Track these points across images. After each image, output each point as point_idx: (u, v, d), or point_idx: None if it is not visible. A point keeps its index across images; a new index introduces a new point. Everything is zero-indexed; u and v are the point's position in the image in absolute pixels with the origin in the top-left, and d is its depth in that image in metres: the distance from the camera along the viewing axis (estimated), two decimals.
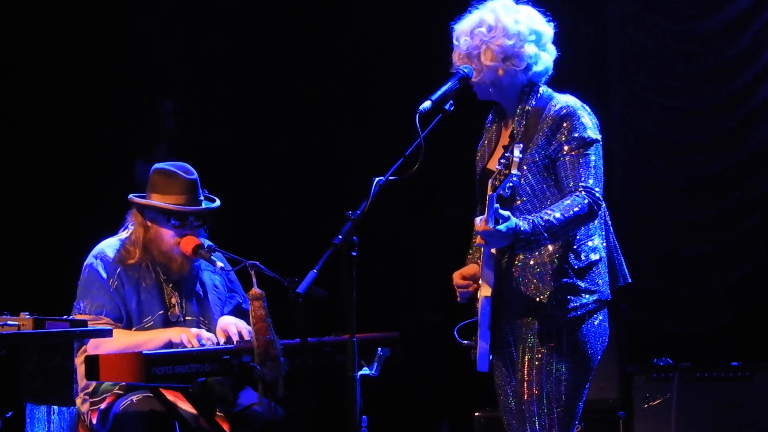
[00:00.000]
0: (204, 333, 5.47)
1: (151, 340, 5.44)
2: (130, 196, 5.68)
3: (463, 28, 4.88)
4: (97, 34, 8.15)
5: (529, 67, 4.86)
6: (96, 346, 5.40)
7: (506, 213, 4.57)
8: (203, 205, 5.65)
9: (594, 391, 5.42)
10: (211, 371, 5.22)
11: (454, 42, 4.92)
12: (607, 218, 4.88)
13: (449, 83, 4.86)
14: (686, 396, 7.50)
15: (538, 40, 4.89)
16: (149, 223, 5.63)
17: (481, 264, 4.74)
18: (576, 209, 4.65)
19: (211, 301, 5.77)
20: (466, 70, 4.88)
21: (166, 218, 5.60)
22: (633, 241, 8.31)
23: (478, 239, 4.62)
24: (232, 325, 5.58)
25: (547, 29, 4.93)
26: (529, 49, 4.86)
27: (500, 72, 4.85)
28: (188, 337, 5.40)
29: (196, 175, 5.67)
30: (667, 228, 8.49)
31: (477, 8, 4.91)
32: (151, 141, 8.42)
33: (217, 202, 5.72)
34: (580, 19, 8.10)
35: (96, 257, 5.62)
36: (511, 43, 4.84)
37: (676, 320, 8.34)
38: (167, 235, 5.61)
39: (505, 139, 4.92)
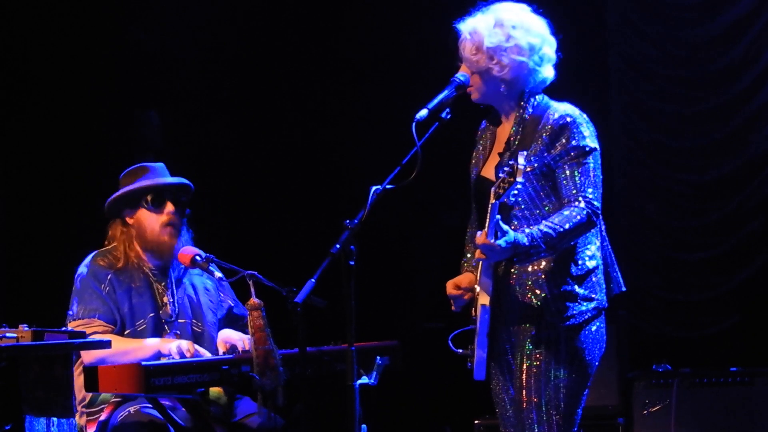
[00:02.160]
0: (184, 345, 5.47)
1: (140, 348, 5.45)
2: (107, 201, 5.71)
3: (484, 23, 4.85)
4: (91, 41, 8.15)
5: (539, 71, 4.87)
6: (88, 351, 5.40)
7: (505, 227, 4.57)
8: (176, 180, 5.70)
9: (593, 397, 5.41)
10: (211, 381, 5.22)
11: (467, 36, 4.86)
12: (603, 227, 4.88)
13: (445, 91, 4.85)
14: (686, 402, 7.49)
15: (550, 45, 4.91)
16: (130, 220, 5.67)
17: (480, 273, 4.74)
18: (575, 220, 4.65)
19: (203, 303, 5.79)
20: (462, 78, 4.88)
21: (143, 201, 5.63)
22: (633, 246, 8.32)
23: (478, 253, 4.62)
24: (235, 336, 5.60)
25: (553, 39, 4.95)
26: (548, 50, 4.89)
27: (524, 68, 4.84)
28: (176, 350, 5.41)
29: (163, 164, 5.72)
30: (667, 233, 8.49)
31: (485, 9, 4.90)
32: (140, 154, 8.43)
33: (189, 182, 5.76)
34: (580, 25, 8.09)
35: (87, 266, 5.67)
36: (536, 41, 4.85)
37: (676, 325, 8.33)
38: (150, 219, 5.65)
39: (500, 146, 4.91)
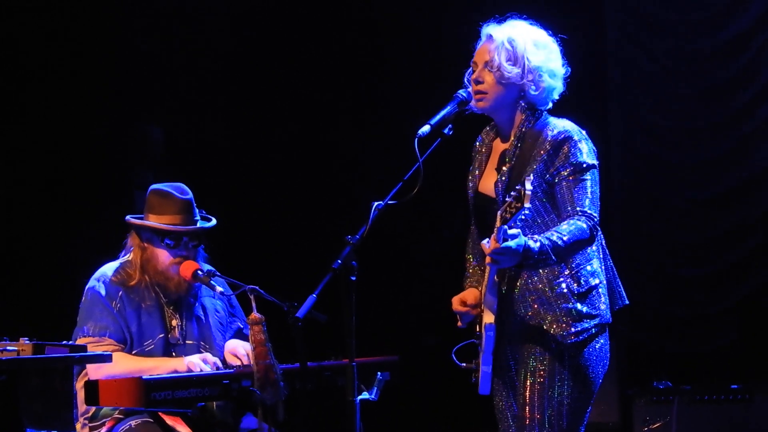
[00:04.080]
0: (209, 357, 5.47)
1: (156, 368, 5.45)
2: (127, 217, 5.70)
3: (522, 37, 4.83)
4: (94, 52, 8.16)
5: (551, 84, 4.89)
6: (98, 368, 5.39)
7: (517, 231, 4.55)
8: (197, 225, 5.67)
9: (594, 414, 5.42)
10: (211, 396, 5.21)
11: (504, 43, 4.81)
12: (603, 242, 4.88)
13: (448, 107, 4.85)
14: (686, 419, 7.49)
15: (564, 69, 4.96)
16: (145, 244, 5.65)
17: (485, 291, 4.73)
18: (578, 233, 4.65)
19: (213, 325, 5.78)
20: (464, 94, 4.87)
21: (161, 238, 5.62)
22: (633, 262, 8.32)
23: (488, 259, 4.60)
24: (240, 347, 5.59)
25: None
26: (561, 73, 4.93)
27: (551, 92, 4.86)
28: (195, 364, 5.40)
29: (191, 195, 5.69)
30: (667, 248, 8.49)
31: (511, 22, 4.88)
32: (140, 167, 8.43)
33: (213, 222, 5.73)
34: (579, 40, 8.08)
35: (98, 280, 5.63)
36: (561, 68, 4.90)
37: (676, 341, 8.33)
38: (163, 255, 5.62)
39: (495, 161, 4.91)
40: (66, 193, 8.03)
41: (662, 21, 8.52)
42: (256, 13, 8.61)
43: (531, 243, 4.55)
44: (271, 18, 8.62)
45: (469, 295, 4.86)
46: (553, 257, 4.60)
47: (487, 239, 4.57)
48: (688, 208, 8.43)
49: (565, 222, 4.69)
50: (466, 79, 4.92)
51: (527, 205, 4.48)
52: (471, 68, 4.91)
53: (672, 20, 8.49)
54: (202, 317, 5.75)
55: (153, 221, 5.63)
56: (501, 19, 4.90)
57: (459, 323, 4.86)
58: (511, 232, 4.52)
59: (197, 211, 5.71)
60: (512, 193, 4.53)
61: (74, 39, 8.11)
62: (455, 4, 8.19)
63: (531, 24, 4.90)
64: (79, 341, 5.45)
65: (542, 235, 4.64)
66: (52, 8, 8.09)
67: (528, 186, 4.48)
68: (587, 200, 4.74)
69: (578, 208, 4.72)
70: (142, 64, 8.33)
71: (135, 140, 8.43)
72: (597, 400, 4.96)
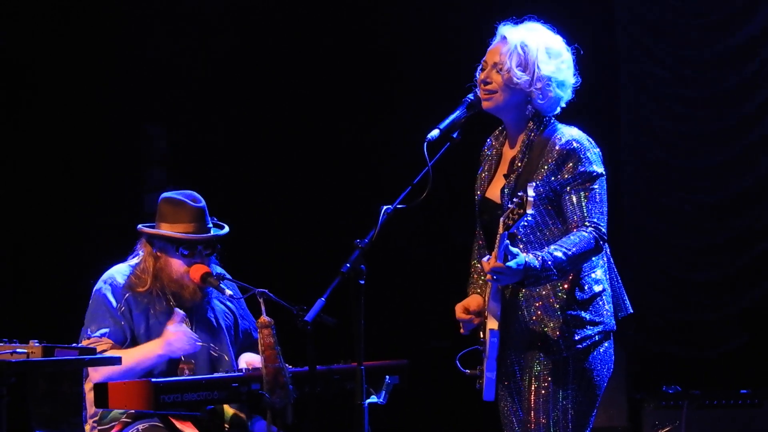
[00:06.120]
0: (187, 332, 5.48)
1: (143, 359, 5.43)
2: (139, 226, 5.68)
3: (536, 43, 4.80)
4: (101, 57, 8.18)
5: (563, 102, 4.88)
6: (96, 369, 5.38)
7: (516, 250, 4.55)
8: (212, 233, 5.65)
9: (603, 418, 5.42)
10: (220, 399, 5.21)
11: (516, 46, 4.78)
12: (609, 251, 4.87)
13: (457, 111, 4.84)
14: (695, 423, 7.49)
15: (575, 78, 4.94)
16: (159, 253, 5.61)
17: (488, 297, 4.72)
18: (583, 245, 4.63)
19: (224, 327, 5.77)
20: (473, 98, 4.86)
21: (175, 247, 5.59)
22: (642, 267, 8.32)
23: (488, 276, 4.60)
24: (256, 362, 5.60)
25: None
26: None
27: (558, 102, 4.84)
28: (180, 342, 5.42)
29: (204, 203, 5.66)
30: (676, 254, 8.49)
31: (529, 25, 4.86)
32: (149, 169, 8.44)
33: (226, 229, 5.72)
34: (589, 46, 8.09)
35: (105, 282, 5.61)
36: (572, 79, 4.88)
37: (686, 346, 8.33)
38: (177, 264, 5.60)
39: (504, 167, 4.90)
40: (75, 196, 8.05)
41: (671, 28, 8.52)
42: (266, 14, 8.62)
43: (532, 261, 4.55)
44: (281, 19, 8.63)
45: (472, 301, 4.86)
46: (555, 272, 4.59)
47: (488, 256, 4.58)
48: (697, 214, 8.43)
49: (571, 233, 4.68)
50: (477, 75, 4.92)
51: (530, 211, 4.47)
52: (481, 65, 4.90)
53: (681, 27, 8.49)
54: (214, 321, 5.74)
55: (166, 230, 5.60)
56: (518, 21, 4.89)
57: (461, 330, 4.86)
58: (512, 249, 4.52)
59: (210, 218, 5.69)
60: (515, 200, 4.52)
61: (76, 42, 8.13)
62: (466, 6, 8.20)
63: (548, 29, 4.89)
64: (83, 343, 5.46)
65: (545, 249, 4.63)
66: (59, 12, 8.11)
67: (531, 192, 4.47)
68: (595, 210, 4.72)
69: (586, 218, 4.70)
70: (149, 66, 8.35)
71: (138, 140, 8.43)
72: (606, 404, 4.98)
